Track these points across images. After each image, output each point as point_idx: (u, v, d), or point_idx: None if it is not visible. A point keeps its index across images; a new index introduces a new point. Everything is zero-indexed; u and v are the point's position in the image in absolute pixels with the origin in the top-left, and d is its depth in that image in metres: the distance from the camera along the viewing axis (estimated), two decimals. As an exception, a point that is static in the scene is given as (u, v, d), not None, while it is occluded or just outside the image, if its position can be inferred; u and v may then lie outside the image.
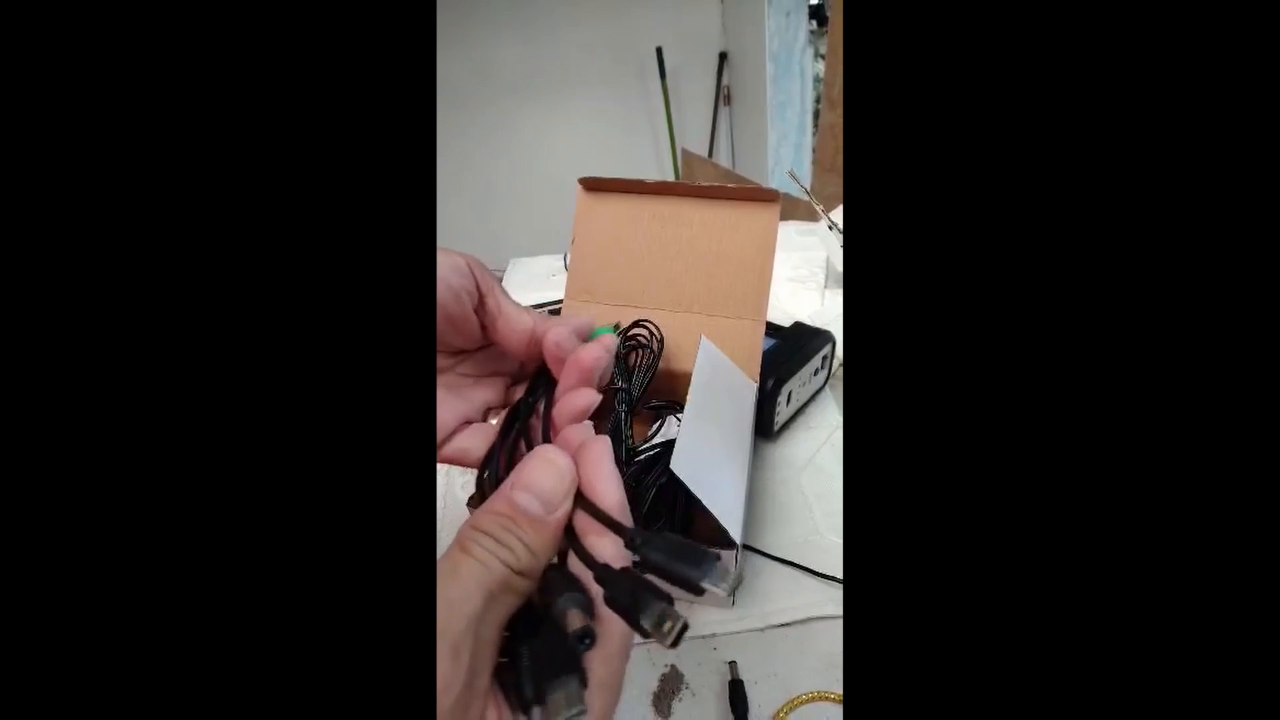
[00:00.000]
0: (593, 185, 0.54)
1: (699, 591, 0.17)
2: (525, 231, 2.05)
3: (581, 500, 0.19)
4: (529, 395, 0.26)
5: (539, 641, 0.17)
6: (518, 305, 0.26)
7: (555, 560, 0.19)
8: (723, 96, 2.34)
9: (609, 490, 0.19)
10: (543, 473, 0.18)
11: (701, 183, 0.53)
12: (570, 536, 0.19)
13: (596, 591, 0.18)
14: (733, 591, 0.17)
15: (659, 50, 2.19)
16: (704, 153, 2.34)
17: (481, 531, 0.17)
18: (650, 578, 0.17)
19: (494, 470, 0.23)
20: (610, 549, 0.18)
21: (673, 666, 0.38)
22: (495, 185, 2.36)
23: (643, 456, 0.42)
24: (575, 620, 0.17)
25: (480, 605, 0.16)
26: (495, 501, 0.18)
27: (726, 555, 0.37)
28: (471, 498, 0.41)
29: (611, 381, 0.48)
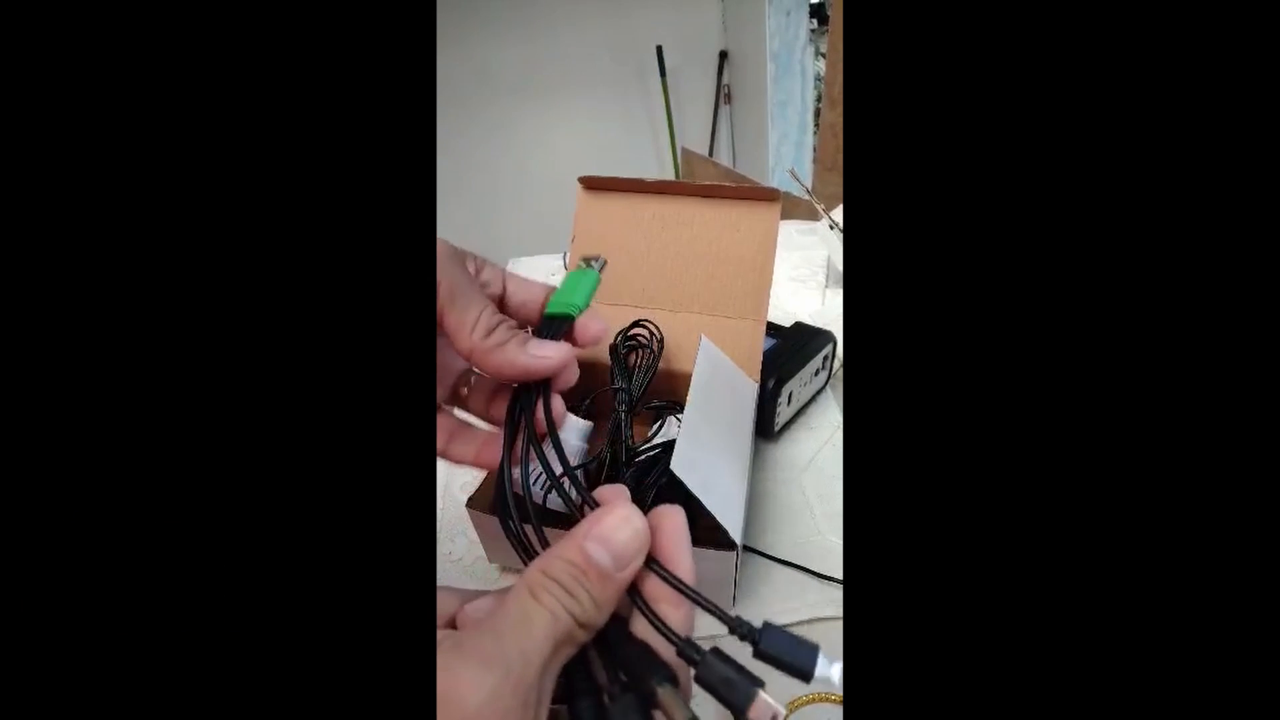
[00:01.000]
0: (593, 184, 0.54)
1: (808, 680, 0.18)
2: (525, 231, 2.05)
3: (658, 568, 0.19)
4: (528, 393, 0.25)
5: (620, 706, 0.17)
6: (476, 297, 0.23)
7: (618, 615, 0.19)
8: (723, 95, 2.34)
9: (686, 564, 0.19)
10: (618, 529, 0.18)
11: (702, 182, 0.53)
12: (639, 600, 0.19)
13: (674, 663, 0.18)
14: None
15: (659, 49, 2.19)
16: (704, 152, 2.33)
17: (552, 579, 0.17)
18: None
19: (507, 475, 0.23)
20: (681, 621, 0.19)
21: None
22: (495, 185, 2.36)
23: (643, 457, 0.42)
24: (677, 707, 0.17)
25: (549, 655, 0.16)
26: (567, 549, 0.18)
27: (727, 558, 0.37)
28: (471, 498, 0.41)
29: (611, 381, 0.47)
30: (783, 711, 0.17)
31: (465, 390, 0.26)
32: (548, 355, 0.23)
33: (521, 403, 0.24)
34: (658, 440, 0.44)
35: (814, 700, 0.35)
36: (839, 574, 0.41)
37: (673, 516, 0.19)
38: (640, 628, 0.19)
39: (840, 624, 0.39)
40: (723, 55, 2.29)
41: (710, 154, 2.36)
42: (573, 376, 0.25)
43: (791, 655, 0.18)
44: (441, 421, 0.26)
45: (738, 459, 0.41)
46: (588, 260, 0.27)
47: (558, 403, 0.24)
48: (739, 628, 0.18)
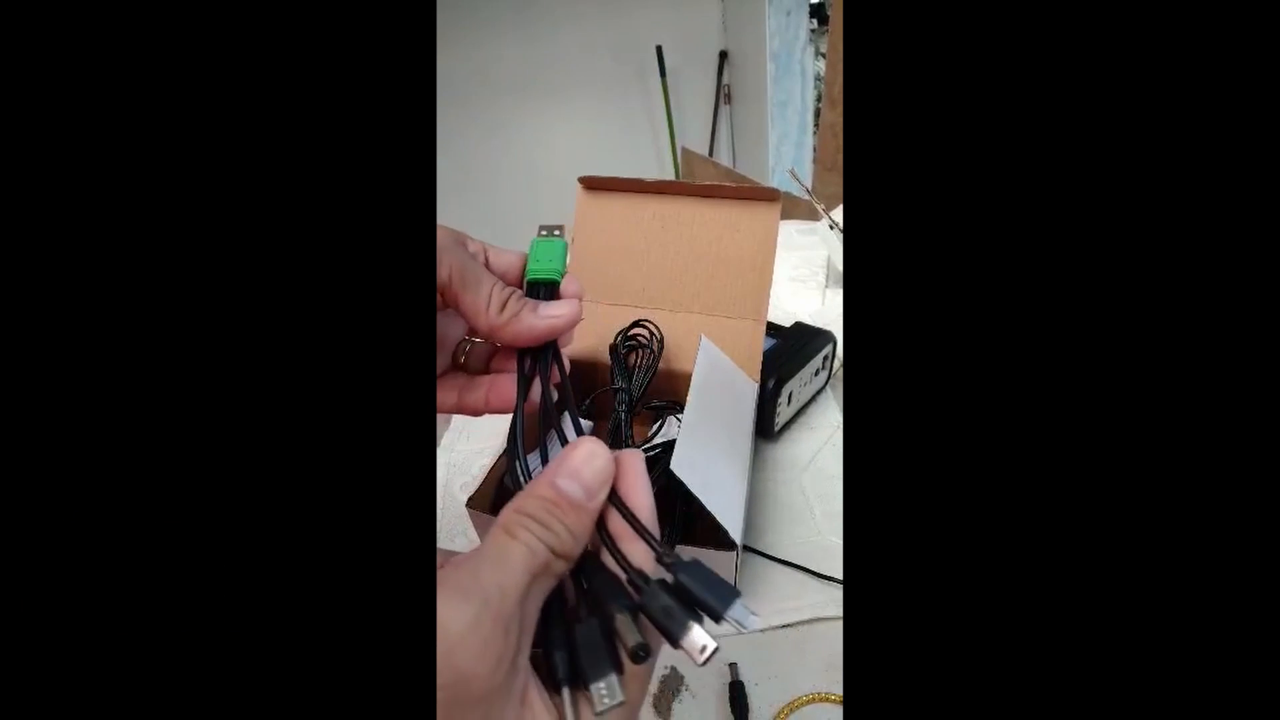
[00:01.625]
0: (593, 184, 0.54)
1: (718, 620, 0.18)
2: (526, 230, 2.04)
3: (619, 504, 0.20)
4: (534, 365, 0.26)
5: (584, 631, 0.18)
6: (484, 276, 0.24)
7: (591, 549, 0.20)
8: (723, 95, 2.34)
9: (644, 500, 0.20)
10: (586, 461, 0.19)
11: (702, 182, 0.53)
12: (604, 535, 0.20)
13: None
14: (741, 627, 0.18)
15: (659, 49, 2.19)
16: (704, 152, 2.33)
17: (526, 515, 0.18)
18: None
19: (519, 422, 0.23)
20: (641, 556, 0.19)
21: (673, 668, 0.37)
22: (495, 184, 2.36)
23: None
24: (629, 632, 0.18)
25: (526, 586, 0.17)
26: (539, 486, 0.19)
27: (727, 558, 0.37)
28: (471, 498, 0.41)
29: (611, 381, 0.47)
30: (712, 645, 0.17)
31: (464, 357, 0.28)
32: (560, 314, 0.24)
33: (536, 357, 0.25)
34: (658, 440, 0.44)
35: (814, 700, 0.35)
36: (839, 574, 0.41)
37: (633, 459, 0.21)
38: (611, 562, 0.20)
39: (840, 624, 0.39)
40: (723, 55, 2.29)
41: (710, 154, 2.36)
42: (572, 336, 0.27)
43: (706, 593, 0.18)
44: (448, 382, 0.27)
45: (738, 459, 0.41)
46: (549, 229, 0.28)
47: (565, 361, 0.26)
48: (665, 557, 0.19)
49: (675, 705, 0.36)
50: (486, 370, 0.28)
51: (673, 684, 0.37)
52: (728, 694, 0.35)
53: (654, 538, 0.19)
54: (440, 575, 0.16)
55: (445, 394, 0.27)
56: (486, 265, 0.26)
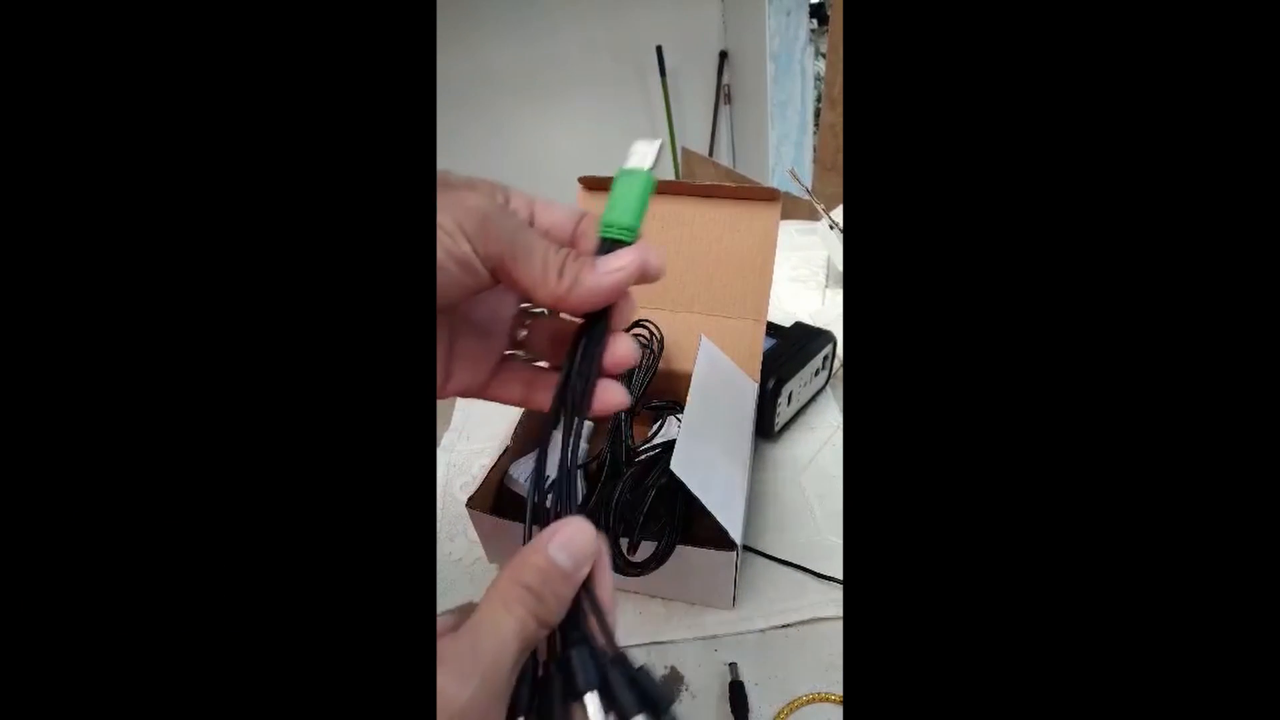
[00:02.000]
0: (592, 184, 0.54)
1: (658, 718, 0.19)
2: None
3: (590, 594, 0.21)
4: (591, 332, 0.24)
5: (548, 699, 0.19)
6: (536, 241, 0.21)
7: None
8: (723, 95, 2.34)
9: (607, 592, 0.21)
10: (578, 534, 0.20)
11: (702, 182, 0.53)
12: (590, 601, 0.21)
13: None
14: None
15: (659, 49, 2.19)
16: (705, 152, 2.33)
17: (522, 587, 0.19)
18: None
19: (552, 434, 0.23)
20: (599, 638, 0.20)
21: (673, 668, 0.37)
22: (496, 185, 2.35)
23: (643, 457, 0.42)
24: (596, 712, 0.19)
25: (517, 658, 0.18)
26: (534, 555, 0.20)
27: (727, 558, 0.37)
28: (471, 498, 0.41)
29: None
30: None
31: (524, 333, 0.26)
32: (622, 265, 0.21)
33: (588, 335, 0.23)
34: (658, 440, 0.44)
35: (814, 700, 0.35)
36: (839, 574, 0.41)
37: (601, 544, 0.21)
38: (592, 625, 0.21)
39: (840, 624, 0.39)
40: (723, 55, 2.29)
41: (710, 154, 2.36)
42: (631, 313, 0.23)
43: (653, 690, 0.19)
44: (510, 374, 0.25)
45: (738, 459, 0.41)
46: (636, 158, 0.23)
47: (623, 343, 0.23)
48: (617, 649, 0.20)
49: (675, 706, 0.36)
50: (550, 355, 0.26)
51: (673, 684, 0.37)
52: (727, 694, 0.35)
53: (611, 631, 0.20)
54: (441, 648, 0.17)
55: (508, 386, 0.25)
56: (532, 223, 0.23)
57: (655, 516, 0.38)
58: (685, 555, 0.37)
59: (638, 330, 0.51)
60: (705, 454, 0.38)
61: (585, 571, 0.20)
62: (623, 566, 0.36)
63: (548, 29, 2.20)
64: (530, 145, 2.36)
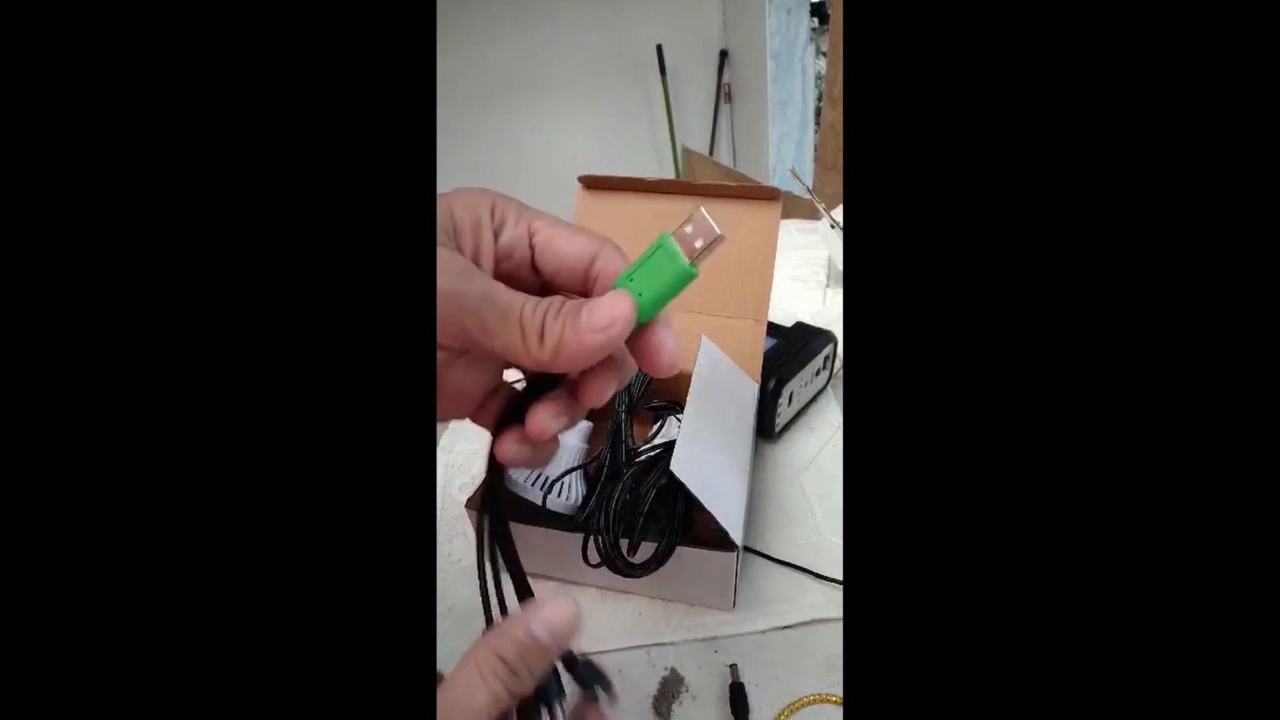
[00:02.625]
0: (592, 183, 0.54)
1: None
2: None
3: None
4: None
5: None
6: (508, 303, 0.19)
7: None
8: (724, 94, 2.34)
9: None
10: (561, 613, 0.21)
11: (702, 181, 0.52)
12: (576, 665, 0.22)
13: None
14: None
15: (659, 48, 2.19)
16: (705, 151, 2.33)
17: (500, 660, 0.20)
18: None
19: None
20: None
21: (673, 669, 0.37)
22: (496, 185, 2.33)
23: (643, 457, 0.42)
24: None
25: None
26: (515, 629, 0.20)
27: (728, 559, 0.37)
28: (470, 499, 0.41)
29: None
30: None
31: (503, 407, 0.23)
32: (610, 322, 0.19)
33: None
34: (658, 440, 0.44)
35: (814, 701, 0.35)
36: (839, 575, 0.41)
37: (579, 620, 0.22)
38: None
39: (840, 625, 0.39)
40: (723, 54, 2.29)
41: (710, 153, 2.36)
42: (675, 362, 0.20)
43: None
44: (507, 399, 0.23)
45: (738, 460, 0.41)
46: (689, 236, 0.19)
47: (545, 414, 0.21)
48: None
49: (675, 707, 0.36)
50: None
51: (673, 686, 0.37)
52: (728, 695, 0.35)
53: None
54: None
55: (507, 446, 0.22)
56: (532, 259, 0.21)
57: (655, 517, 0.38)
58: (685, 556, 0.37)
59: None
60: (705, 455, 0.37)
61: (564, 645, 0.21)
62: (623, 568, 0.36)
63: (548, 28, 2.20)
64: (530, 145, 2.36)
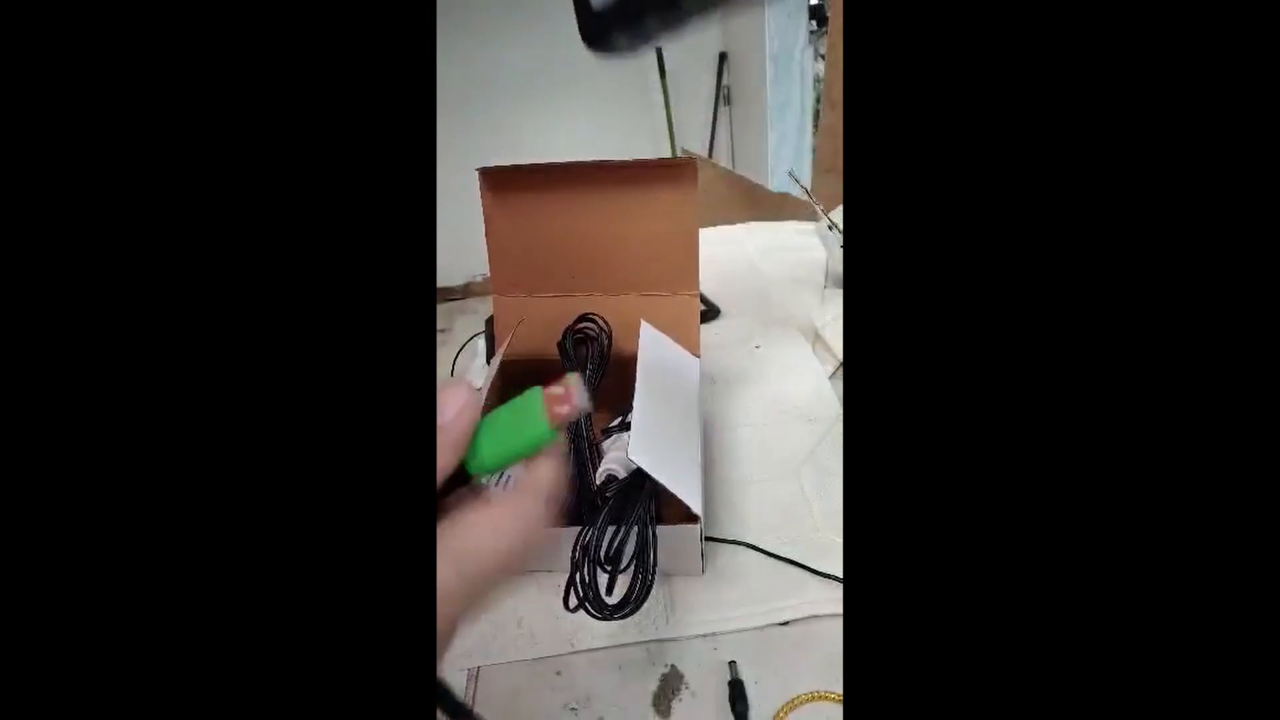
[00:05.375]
0: (497, 177, 0.54)
1: None
2: (525, 231, 2.03)
3: None
4: None
5: None
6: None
7: None
8: (723, 97, 2.34)
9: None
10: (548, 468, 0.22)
11: (696, 177, 0.53)
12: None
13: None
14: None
15: (659, 50, 2.19)
16: (704, 153, 2.33)
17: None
18: None
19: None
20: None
21: (672, 666, 0.38)
22: (495, 185, 2.34)
23: (609, 493, 0.41)
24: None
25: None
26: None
27: (693, 531, 0.39)
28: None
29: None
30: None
31: None
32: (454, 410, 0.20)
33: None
34: (610, 463, 0.43)
35: (814, 698, 0.35)
36: (838, 571, 0.41)
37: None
38: None
39: (840, 622, 0.39)
40: (722, 56, 2.29)
41: (709, 155, 2.36)
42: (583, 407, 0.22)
43: None
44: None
45: (688, 436, 0.43)
46: (558, 398, 0.21)
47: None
48: None
49: (675, 704, 0.36)
50: None
51: (673, 683, 0.37)
52: (727, 692, 0.35)
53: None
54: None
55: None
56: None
57: (624, 555, 0.37)
58: (659, 535, 0.38)
59: (585, 324, 0.51)
60: (660, 437, 0.40)
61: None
62: (602, 611, 0.35)
63: (548, 30, 2.20)
64: (530, 145, 2.34)
